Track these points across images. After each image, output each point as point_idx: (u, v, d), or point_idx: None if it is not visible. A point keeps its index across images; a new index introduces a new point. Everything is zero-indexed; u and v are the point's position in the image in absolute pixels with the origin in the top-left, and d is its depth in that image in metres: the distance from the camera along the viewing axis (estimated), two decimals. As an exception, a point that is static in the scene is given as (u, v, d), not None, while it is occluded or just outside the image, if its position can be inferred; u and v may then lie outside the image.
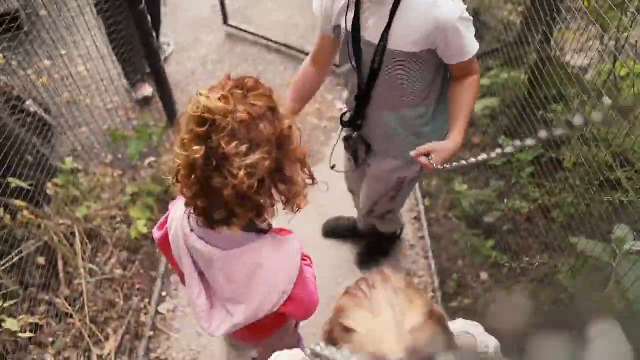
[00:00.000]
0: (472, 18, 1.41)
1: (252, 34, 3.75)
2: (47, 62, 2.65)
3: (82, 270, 2.24)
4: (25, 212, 2.09)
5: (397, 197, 2.01)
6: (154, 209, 2.60)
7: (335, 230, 2.65)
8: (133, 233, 2.46)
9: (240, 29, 3.79)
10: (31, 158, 2.35)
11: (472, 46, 1.44)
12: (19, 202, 2.07)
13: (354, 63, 1.52)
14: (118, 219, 2.56)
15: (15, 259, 2.06)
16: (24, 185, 2.10)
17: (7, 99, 2.50)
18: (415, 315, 0.72)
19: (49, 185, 2.42)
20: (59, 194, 2.40)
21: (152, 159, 2.91)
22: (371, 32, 1.44)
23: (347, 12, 1.44)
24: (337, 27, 1.53)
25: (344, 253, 2.62)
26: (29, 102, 2.70)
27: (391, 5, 1.36)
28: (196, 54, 3.75)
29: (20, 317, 1.92)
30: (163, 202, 2.67)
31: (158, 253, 2.55)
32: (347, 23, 1.46)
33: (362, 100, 1.60)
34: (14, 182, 2.06)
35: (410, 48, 1.41)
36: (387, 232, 2.41)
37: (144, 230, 2.45)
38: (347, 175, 2.16)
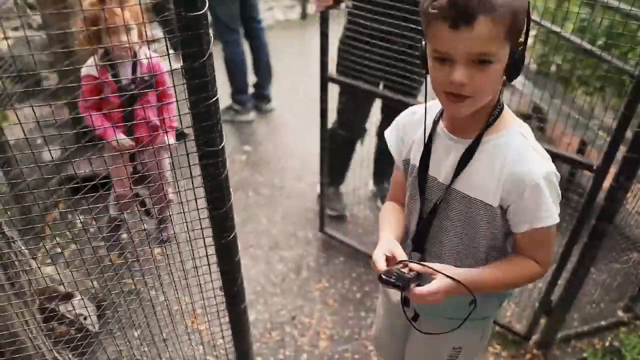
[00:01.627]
0: (557, 182, 1.19)
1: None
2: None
3: None
4: None
5: None
6: None
7: None
8: None
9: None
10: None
11: (550, 212, 1.18)
12: None
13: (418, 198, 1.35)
14: None
15: None
16: None
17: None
18: None
19: None
20: None
21: None
22: (440, 171, 1.29)
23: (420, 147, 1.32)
24: (406, 162, 1.39)
25: None
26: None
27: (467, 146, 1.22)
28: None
29: None
30: None
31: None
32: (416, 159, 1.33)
33: (422, 233, 1.38)
34: None
35: (483, 197, 1.23)
36: None
37: None
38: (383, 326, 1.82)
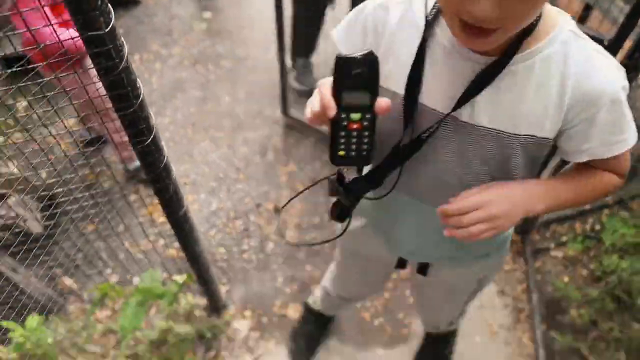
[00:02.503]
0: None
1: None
2: None
3: None
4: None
5: (475, 298, 1.47)
6: None
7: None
8: None
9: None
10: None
11: (632, 132, 0.87)
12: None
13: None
14: None
15: None
16: None
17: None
18: None
19: None
20: None
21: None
22: (438, 99, 0.87)
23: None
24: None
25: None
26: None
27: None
28: None
29: None
30: None
31: None
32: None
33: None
34: None
35: (530, 130, 0.84)
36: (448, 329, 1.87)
37: None
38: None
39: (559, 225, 2.44)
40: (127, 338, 1.75)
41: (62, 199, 1.65)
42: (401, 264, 1.30)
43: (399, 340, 2.08)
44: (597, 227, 2.40)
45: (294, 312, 2.16)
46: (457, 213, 0.86)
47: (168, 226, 1.57)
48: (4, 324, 1.66)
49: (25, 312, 1.76)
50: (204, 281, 1.95)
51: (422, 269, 1.27)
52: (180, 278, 1.88)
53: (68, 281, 2.27)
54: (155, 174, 1.18)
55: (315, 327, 2.05)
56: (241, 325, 2.17)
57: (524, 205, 0.89)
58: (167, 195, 1.31)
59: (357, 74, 0.70)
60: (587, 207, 2.43)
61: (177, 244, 2.15)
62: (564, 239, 2.39)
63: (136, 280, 2.29)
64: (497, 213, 0.85)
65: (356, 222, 1.25)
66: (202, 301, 2.16)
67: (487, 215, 0.85)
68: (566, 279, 2.29)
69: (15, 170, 1.72)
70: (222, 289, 2.21)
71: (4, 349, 1.74)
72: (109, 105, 0.98)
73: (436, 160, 0.92)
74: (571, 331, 2.13)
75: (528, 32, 0.78)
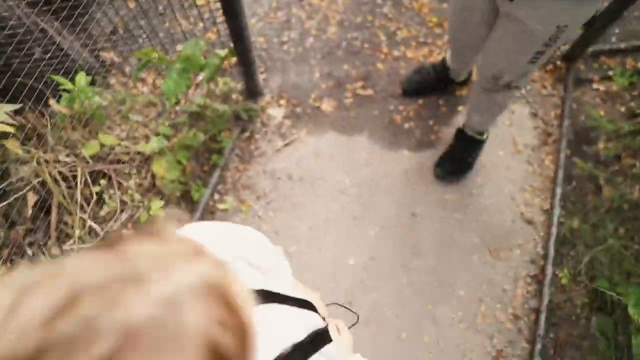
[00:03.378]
0: None
1: None
2: None
3: (77, 230, 1.78)
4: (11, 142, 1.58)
5: (543, 56, 1.41)
6: (186, 169, 1.97)
7: (420, 86, 2.20)
8: (142, 217, 1.88)
9: None
10: (40, 51, 1.71)
11: None
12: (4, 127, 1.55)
13: None
14: (137, 161, 1.95)
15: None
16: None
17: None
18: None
19: (50, 102, 1.78)
20: (61, 118, 1.80)
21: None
22: None
23: None
24: None
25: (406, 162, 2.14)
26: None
27: None
28: None
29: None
30: (203, 157, 2.06)
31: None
32: None
33: None
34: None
35: None
36: (479, 130, 1.97)
37: (160, 214, 1.85)
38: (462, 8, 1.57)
39: (609, 58, 2.35)
40: (170, 100, 1.81)
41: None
42: None
43: (426, 145, 2.15)
44: (649, 64, 2.32)
45: (328, 106, 2.21)
46: None
47: (207, 8, 1.52)
48: (54, 77, 1.72)
49: (71, 76, 1.82)
50: (245, 60, 1.96)
51: None
52: (222, 52, 1.89)
53: (110, 54, 2.30)
54: None
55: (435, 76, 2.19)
56: (276, 112, 2.23)
57: None
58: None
59: None
60: (645, 41, 2.32)
61: (215, 28, 2.13)
62: (611, 73, 2.33)
63: (179, 47, 2.29)
64: None
65: None
66: (239, 86, 2.20)
67: None
68: (602, 112, 2.28)
69: None
70: (260, 77, 2.24)
71: (55, 103, 1.83)
72: None
73: None
74: (594, 161, 2.18)
75: None
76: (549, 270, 1.95)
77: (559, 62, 2.32)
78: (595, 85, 2.32)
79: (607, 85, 2.32)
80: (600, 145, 2.21)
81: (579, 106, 2.28)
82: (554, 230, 2.01)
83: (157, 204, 1.85)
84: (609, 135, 2.21)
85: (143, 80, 2.26)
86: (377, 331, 1.86)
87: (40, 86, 1.86)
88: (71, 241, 1.88)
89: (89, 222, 1.90)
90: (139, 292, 0.35)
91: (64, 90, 1.76)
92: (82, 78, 1.81)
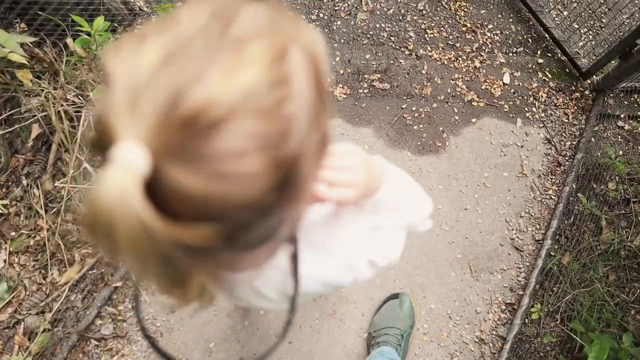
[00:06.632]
0: None
1: None
2: None
3: (71, 170, 1.79)
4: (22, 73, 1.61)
5: None
6: None
7: None
8: None
9: None
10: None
11: None
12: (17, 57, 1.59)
13: None
14: None
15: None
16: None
17: None
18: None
19: (68, 41, 1.81)
20: (77, 58, 1.82)
21: None
22: None
23: None
24: None
25: (406, 164, 2.04)
26: None
27: None
28: None
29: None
30: None
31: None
32: None
33: None
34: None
35: None
36: None
37: None
38: None
39: (642, 96, 2.25)
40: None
41: None
42: None
43: (429, 150, 2.11)
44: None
45: (341, 92, 2.18)
46: None
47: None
48: (75, 17, 1.74)
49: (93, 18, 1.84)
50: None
51: None
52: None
53: (141, 2, 2.30)
54: None
55: None
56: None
57: None
58: None
59: None
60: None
61: None
62: (640, 113, 2.22)
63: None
64: None
65: None
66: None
67: None
68: (620, 152, 2.19)
69: None
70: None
71: (72, 42, 1.86)
72: None
73: None
74: (600, 200, 2.11)
75: None
76: (525, 301, 1.91)
77: (587, 92, 2.23)
78: (620, 123, 2.23)
79: (633, 125, 2.22)
80: (611, 185, 2.13)
81: (598, 141, 2.19)
82: (540, 262, 1.96)
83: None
84: (621, 177, 2.13)
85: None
86: (339, 328, 1.87)
87: (65, 23, 1.89)
88: (64, 179, 1.93)
89: (85, 164, 1.94)
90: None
91: (82, 31, 1.78)
92: (100, 22, 1.82)
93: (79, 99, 1.94)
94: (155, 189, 0.37)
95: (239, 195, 0.40)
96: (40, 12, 1.85)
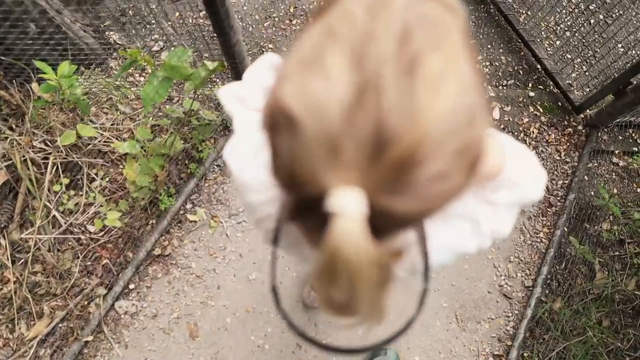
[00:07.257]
0: None
1: None
2: None
3: (38, 220, 1.75)
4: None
5: None
6: (159, 177, 1.87)
7: None
8: (97, 224, 1.80)
9: None
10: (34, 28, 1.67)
11: None
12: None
13: None
14: (115, 154, 1.89)
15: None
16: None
17: None
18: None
19: (32, 86, 1.78)
20: (42, 103, 1.80)
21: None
22: None
23: None
24: None
25: None
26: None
27: None
28: None
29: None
30: (183, 163, 2.01)
31: (148, 227, 1.91)
32: None
33: None
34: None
35: None
36: None
37: (116, 224, 1.77)
38: None
39: (637, 131, 2.15)
40: (147, 108, 1.73)
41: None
42: None
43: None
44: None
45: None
46: None
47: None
48: (38, 63, 1.65)
49: (67, 58, 1.76)
50: (237, 75, 1.86)
51: None
52: (211, 64, 1.79)
53: (115, 35, 2.22)
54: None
55: None
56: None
57: None
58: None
59: None
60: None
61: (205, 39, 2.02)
62: (636, 149, 2.13)
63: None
64: None
65: None
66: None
67: None
68: (615, 190, 2.10)
69: None
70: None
71: (38, 87, 1.79)
72: None
73: None
74: (592, 243, 2.02)
75: None
76: (514, 354, 1.83)
77: (580, 127, 2.13)
78: (614, 159, 2.13)
79: (628, 161, 2.13)
80: (605, 226, 2.04)
81: (591, 179, 2.10)
82: (529, 312, 1.88)
83: (114, 214, 1.79)
84: (615, 217, 2.03)
85: (143, 70, 2.18)
86: (318, 381, 1.79)
87: (30, 67, 1.81)
88: (32, 229, 1.85)
89: (54, 212, 1.86)
90: None
91: (42, 78, 1.70)
92: (65, 67, 1.74)
93: (47, 144, 1.87)
94: (371, 220, 0.39)
95: (443, 203, 0.43)
96: (2, 58, 1.77)
